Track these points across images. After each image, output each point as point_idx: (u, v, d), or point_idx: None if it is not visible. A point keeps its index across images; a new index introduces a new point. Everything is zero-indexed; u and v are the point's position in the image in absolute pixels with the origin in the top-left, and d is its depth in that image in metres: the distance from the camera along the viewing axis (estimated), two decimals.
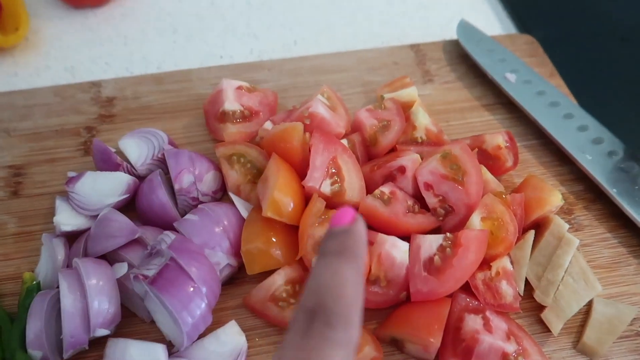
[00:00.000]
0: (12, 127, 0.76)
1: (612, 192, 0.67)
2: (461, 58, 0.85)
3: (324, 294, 0.31)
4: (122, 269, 0.57)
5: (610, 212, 0.68)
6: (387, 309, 0.59)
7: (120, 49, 0.91)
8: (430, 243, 0.58)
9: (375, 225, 0.61)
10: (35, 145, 0.74)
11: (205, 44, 0.92)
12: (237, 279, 0.63)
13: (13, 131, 0.76)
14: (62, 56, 0.90)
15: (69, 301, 0.54)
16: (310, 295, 0.31)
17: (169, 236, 0.58)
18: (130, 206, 0.66)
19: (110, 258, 0.60)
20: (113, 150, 0.68)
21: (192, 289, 0.54)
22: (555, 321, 0.58)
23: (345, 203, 0.62)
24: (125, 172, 0.67)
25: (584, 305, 0.60)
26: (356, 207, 0.62)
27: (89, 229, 0.62)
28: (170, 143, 0.71)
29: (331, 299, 0.30)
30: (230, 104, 0.72)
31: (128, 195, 0.64)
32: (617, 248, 0.65)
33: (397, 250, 0.57)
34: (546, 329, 0.59)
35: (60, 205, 0.64)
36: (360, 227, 0.35)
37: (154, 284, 0.54)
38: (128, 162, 0.68)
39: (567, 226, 0.62)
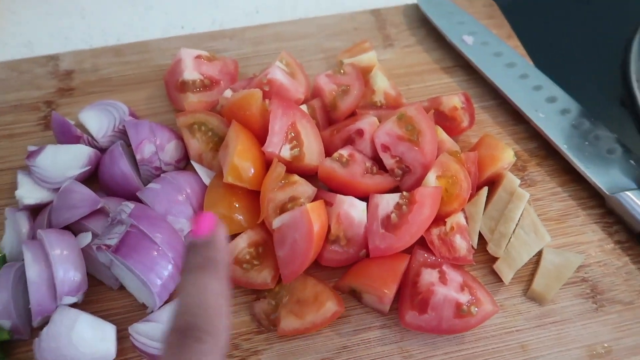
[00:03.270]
0: None
1: (563, 147, 0.70)
2: (421, 22, 0.86)
3: (192, 314, 0.34)
4: (86, 238, 0.58)
5: (561, 167, 0.71)
6: (348, 267, 0.61)
7: (78, 23, 0.89)
8: (388, 201, 0.60)
9: (334, 187, 0.63)
10: None
11: (165, 15, 0.91)
12: None
13: None
14: (19, 32, 0.88)
15: (34, 271, 0.55)
16: (180, 315, 0.34)
17: (128, 206, 0.58)
18: (93, 178, 0.67)
19: (74, 229, 0.61)
20: (72, 123, 0.68)
21: (156, 252, 0.56)
22: (507, 271, 0.61)
23: (305, 167, 0.63)
24: (86, 145, 0.67)
25: (534, 256, 0.63)
26: (315, 171, 0.64)
27: (51, 201, 0.63)
28: (132, 114, 0.71)
29: (199, 317, 0.34)
30: (190, 73, 0.72)
31: (89, 167, 0.64)
32: (566, 201, 0.68)
33: (355, 209, 0.59)
34: (498, 279, 0.62)
35: (22, 180, 0.64)
36: (220, 234, 0.38)
37: (118, 252, 0.55)
38: (89, 134, 0.68)
39: (518, 181, 0.65)
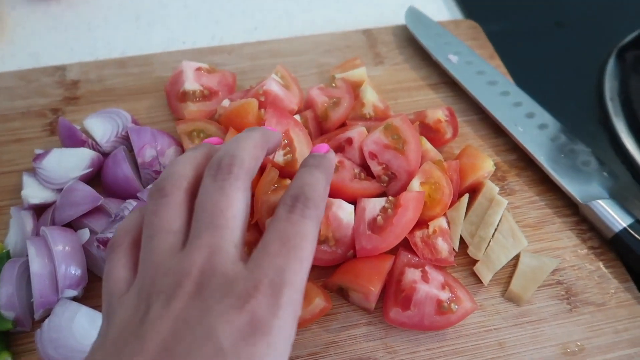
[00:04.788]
0: None
1: (541, 159, 0.75)
2: (409, 42, 0.92)
3: (305, 187, 0.45)
4: (84, 234, 0.61)
5: (538, 178, 0.75)
6: (336, 267, 0.64)
7: (84, 35, 0.94)
8: (374, 205, 0.64)
9: None
10: (1, 127, 0.77)
11: (167, 30, 0.96)
12: None
13: None
14: (26, 43, 0.92)
15: (37, 264, 0.58)
16: (295, 187, 0.46)
17: (131, 203, 0.62)
18: (95, 182, 0.70)
19: (76, 227, 0.64)
20: (78, 128, 0.72)
21: None
22: (486, 273, 0.65)
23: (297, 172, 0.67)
24: (90, 149, 0.70)
25: (512, 259, 0.67)
26: None
27: (55, 201, 0.66)
28: (134, 122, 0.75)
29: (309, 190, 0.45)
30: (190, 84, 0.77)
31: (92, 168, 0.68)
32: (543, 209, 0.72)
33: (343, 211, 0.63)
34: (478, 281, 0.65)
35: (28, 181, 0.68)
36: (332, 155, 0.53)
37: None
38: (93, 139, 0.72)
39: (497, 189, 0.69)
